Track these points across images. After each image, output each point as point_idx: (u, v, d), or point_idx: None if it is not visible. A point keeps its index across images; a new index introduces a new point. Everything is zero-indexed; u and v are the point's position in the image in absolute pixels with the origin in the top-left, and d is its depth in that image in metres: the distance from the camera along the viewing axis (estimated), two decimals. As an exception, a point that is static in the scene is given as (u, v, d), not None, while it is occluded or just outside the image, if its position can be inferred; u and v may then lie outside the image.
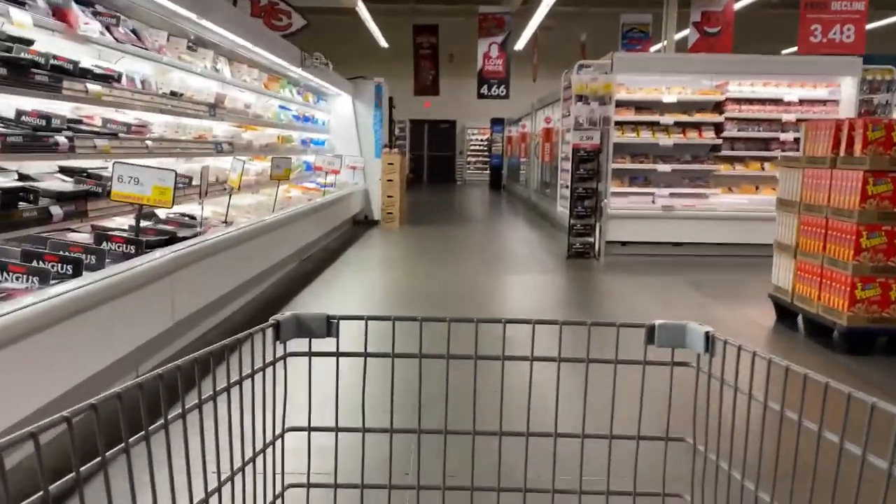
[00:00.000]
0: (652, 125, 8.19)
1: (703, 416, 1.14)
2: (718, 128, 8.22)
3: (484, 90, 17.52)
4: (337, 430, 1.22)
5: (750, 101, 8.15)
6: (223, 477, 1.04)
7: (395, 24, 21.55)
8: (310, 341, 1.22)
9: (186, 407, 0.94)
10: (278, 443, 1.20)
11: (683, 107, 8.23)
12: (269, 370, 1.15)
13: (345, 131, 10.58)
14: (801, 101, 8.10)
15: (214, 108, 5.40)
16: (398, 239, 9.32)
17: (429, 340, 1.23)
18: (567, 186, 8.33)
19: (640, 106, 8.25)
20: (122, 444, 0.79)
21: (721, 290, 6.11)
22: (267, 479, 1.15)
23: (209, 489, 0.99)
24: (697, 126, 8.24)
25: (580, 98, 7.80)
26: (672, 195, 8.10)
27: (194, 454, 0.94)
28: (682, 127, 8.22)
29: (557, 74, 11.41)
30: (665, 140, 8.08)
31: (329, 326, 1.21)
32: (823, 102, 8.13)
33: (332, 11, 21.39)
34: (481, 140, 24.65)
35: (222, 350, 1.02)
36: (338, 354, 1.21)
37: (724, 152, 8.23)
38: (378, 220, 10.80)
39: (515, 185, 18.02)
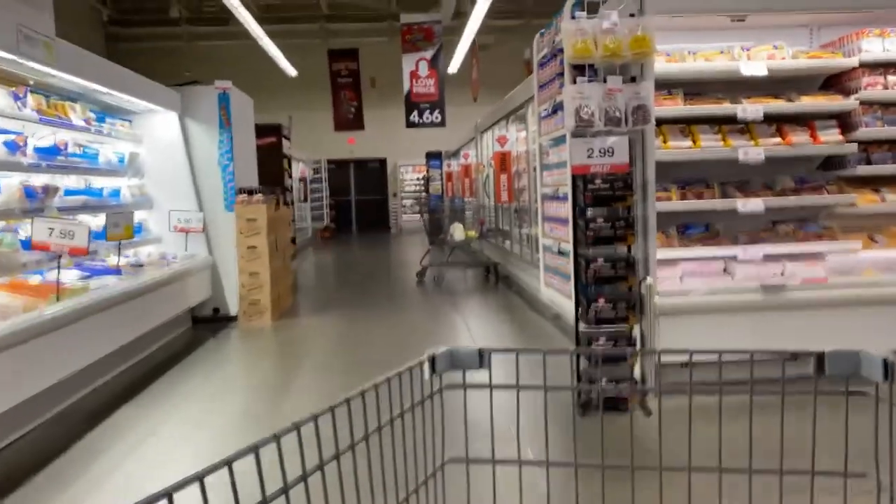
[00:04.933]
0: (720, 123, 4.18)
1: (886, 449, 1.06)
2: (846, 122, 4.25)
3: (414, 117, 13.63)
4: (494, 461, 1.24)
5: (903, 69, 4.21)
6: None
7: (307, 48, 17.68)
8: (464, 373, 1.23)
9: (355, 439, 0.99)
10: (439, 474, 1.23)
11: (774, 87, 4.25)
12: (427, 403, 1.19)
13: (170, 172, 6.27)
14: None
15: None
16: (252, 362, 4.98)
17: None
18: (560, 252, 4.22)
19: (691, 90, 4.23)
20: (301, 474, 0.87)
21: None
22: None
23: None
24: (806, 121, 4.25)
25: (578, 70, 3.72)
26: (766, 258, 4.06)
27: (363, 486, 0.99)
28: (777, 125, 4.23)
29: (498, 99, 7.90)
30: (749, 150, 4.06)
31: (481, 359, 1.23)
32: None
33: (226, 36, 17.44)
34: (417, 179, 20.61)
35: (384, 383, 1.07)
36: (491, 386, 1.23)
37: (860, 169, 4.24)
38: (236, 316, 6.46)
39: (461, 233, 13.83)
